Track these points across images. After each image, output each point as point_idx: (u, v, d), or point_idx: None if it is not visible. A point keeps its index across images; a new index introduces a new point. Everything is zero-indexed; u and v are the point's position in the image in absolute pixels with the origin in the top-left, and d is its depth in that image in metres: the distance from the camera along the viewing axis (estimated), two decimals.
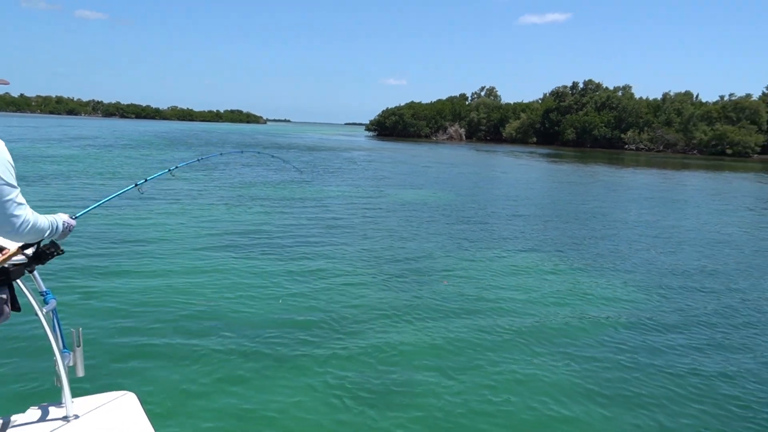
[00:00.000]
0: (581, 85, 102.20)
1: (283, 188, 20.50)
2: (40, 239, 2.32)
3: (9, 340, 5.33)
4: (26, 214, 2.13)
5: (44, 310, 2.59)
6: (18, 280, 2.50)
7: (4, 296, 2.44)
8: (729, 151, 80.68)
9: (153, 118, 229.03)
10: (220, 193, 18.12)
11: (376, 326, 6.57)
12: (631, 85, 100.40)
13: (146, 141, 50.72)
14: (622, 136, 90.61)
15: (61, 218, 2.45)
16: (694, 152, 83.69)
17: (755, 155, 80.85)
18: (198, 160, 3.63)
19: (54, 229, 2.37)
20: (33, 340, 5.20)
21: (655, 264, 10.69)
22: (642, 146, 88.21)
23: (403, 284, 8.46)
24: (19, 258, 2.46)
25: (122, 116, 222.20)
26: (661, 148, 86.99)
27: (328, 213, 15.24)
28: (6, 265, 2.43)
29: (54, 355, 2.60)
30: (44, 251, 2.45)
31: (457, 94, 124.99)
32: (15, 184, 2.10)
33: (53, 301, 2.64)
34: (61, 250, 2.49)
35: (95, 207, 2.97)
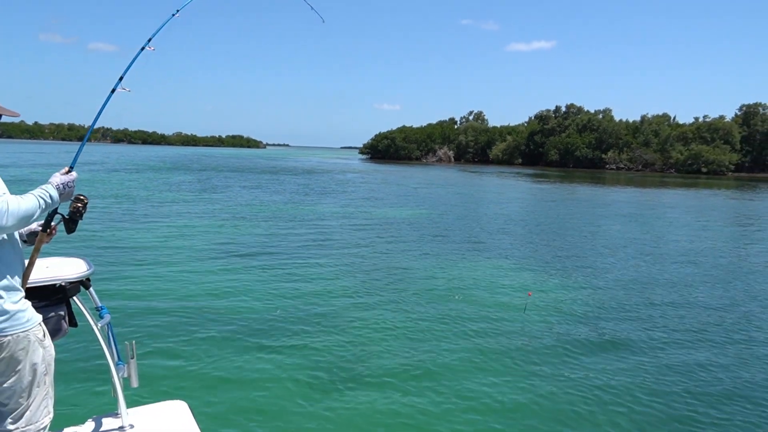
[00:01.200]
0: (563, 109, 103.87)
1: (282, 208, 20.77)
2: (31, 219, 2.10)
3: (66, 354, 5.25)
4: None
5: (99, 325, 2.59)
6: (74, 297, 2.53)
7: (62, 313, 2.47)
8: (704, 170, 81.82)
9: (159, 143, 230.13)
10: (224, 213, 18.34)
11: (356, 324, 7.12)
12: (610, 108, 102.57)
13: (150, 166, 51.03)
14: (603, 156, 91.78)
15: (55, 182, 2.22)
16: (672, 171, 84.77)
17: (730, 173, 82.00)
18: None
19: (46, 201, 2.14)
20: (89, 353, 5.18)
21: (628, 277, 10.95)
22: (622, 166, 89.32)
23: (382, 291, 8.77)
24: (75, 276, 2.48)
25: (130, 142, 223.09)
26: (640, 167, 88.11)
27: (321, 230, 15.59)
28: (63, 284, 2.46)
29: (109, 367, 2.60)
30: (72, 212, 2.33)
31: (446, 118, 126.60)
32: None
33: (108, 315, 2.64)
34: (83, 201, 2.35)
35: (90, 131, 2.65)
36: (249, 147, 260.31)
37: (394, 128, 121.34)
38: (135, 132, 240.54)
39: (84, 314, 2.57)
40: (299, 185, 34.37)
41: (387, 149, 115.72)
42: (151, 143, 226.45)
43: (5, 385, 2.10)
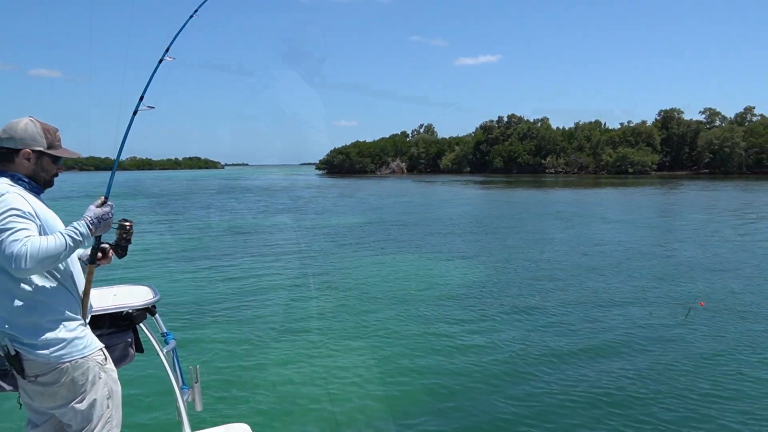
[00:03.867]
0: (506, 119, 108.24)
1: (243, 224, 21.02)
2: (57, 260, 1.98)
3: (131, 379, 5.15)
4: (15, 248, 1.88)
5: (165, 350, 2.62)
6: (141, 324, 2.57)
7: (129, 340, 2.51)
8: (631, 170, 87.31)
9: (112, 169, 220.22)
10: (189, 232, 18.50)
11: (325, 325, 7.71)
12: (548, 116, 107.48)
13: (100, 192, 49.23)
14: (543, 161, 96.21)
15: (89, 216, 2.11)
16: (603, 172, 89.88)
17: (653, 172, 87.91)
18: None
19: (75, 239, 2.01)
20: (153, 377, 5.07)
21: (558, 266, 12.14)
22: (560, 170, 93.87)
23: (334, 292, 9.49)
24: (142, 303, 2.53)
25: (81, 169, 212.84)
26: (576, 170, 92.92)
27: (275, 240, 16.13)
28: (130, 311, 2.50)
29: (174, 391, 2.60)
30: (118, 238, 2.25)
31: (399, 131, 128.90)
32: (8, 225, 1.92)
33: (173, 341, 2.66)
34: (126, 227, 2.24)
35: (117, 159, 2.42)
36: (207, 168, 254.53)
37: (348, 143, 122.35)
38: (86, 159, 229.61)
39: (150, 340, 2.61)
40: (256, 203, 34.45)
41: (342, 164, 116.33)
42: (104, 169, 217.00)
43: (68, 408, 2.14)
